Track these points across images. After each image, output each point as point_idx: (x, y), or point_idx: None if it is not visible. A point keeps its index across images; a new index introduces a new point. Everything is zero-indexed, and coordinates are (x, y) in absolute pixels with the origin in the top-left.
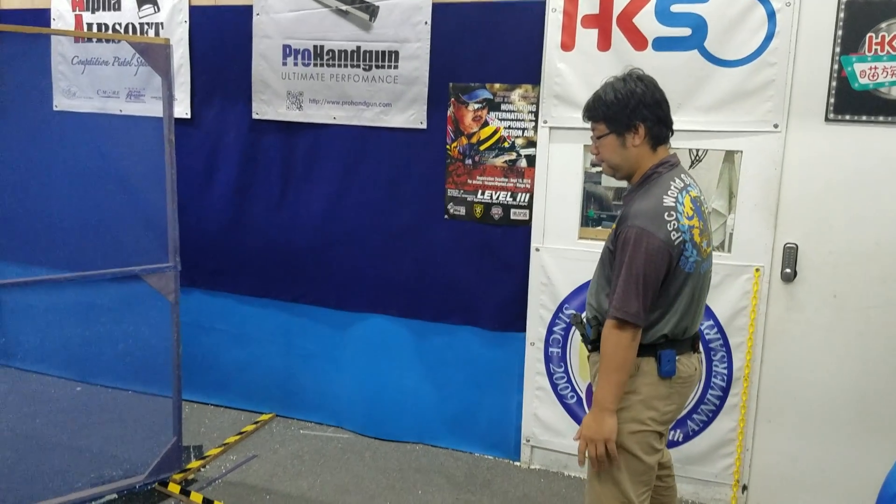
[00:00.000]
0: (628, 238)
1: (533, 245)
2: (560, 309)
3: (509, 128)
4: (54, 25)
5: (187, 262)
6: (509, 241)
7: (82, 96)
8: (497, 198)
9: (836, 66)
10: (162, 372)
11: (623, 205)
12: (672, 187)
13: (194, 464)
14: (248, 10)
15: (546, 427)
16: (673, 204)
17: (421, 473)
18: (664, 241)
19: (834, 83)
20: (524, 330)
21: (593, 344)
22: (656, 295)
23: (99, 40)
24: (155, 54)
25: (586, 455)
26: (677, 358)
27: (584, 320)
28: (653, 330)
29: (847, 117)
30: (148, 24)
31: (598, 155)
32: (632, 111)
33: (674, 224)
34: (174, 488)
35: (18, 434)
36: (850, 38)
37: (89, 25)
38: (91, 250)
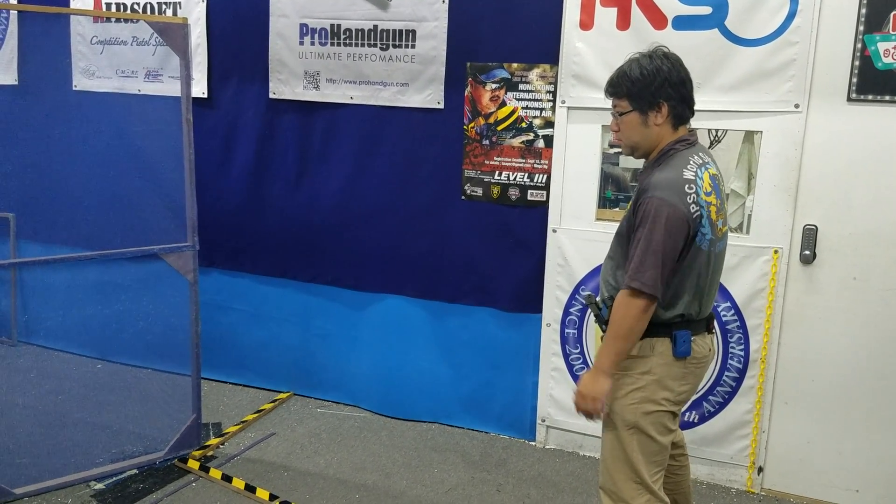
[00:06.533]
0: (648, 209)
1: (550, 226)
2: (576, 290)
3: (527, 108)
4: (73, 5)
5: (205, 242)
6: (526, 222)
7: (101, 76)
8: (514, 178)
9: (859, 45)
10: (181, 350)
11: (639, 181)
12: (691, 162)
13: (213, 441)
14: None
15: (561, 407)
16: (693, 178)
17: (437, 452)
18: (684, 213)
19: (857, 62)
20: (540, 311)
21: (607, 322)
22: (673, 268)
23: (117, 20)
24: (173, 34)
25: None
26: (692, 338)
27: (600, 300)
28: (667, 309)
29: (870, 97)
30: (166, 3)
31: (618, 132)
32: (657, 89)
33: (693, 197)
34: (193, 465)
35: (41, 410)
36: (875, 16)
37: (108, 5)
38: (110, 229)
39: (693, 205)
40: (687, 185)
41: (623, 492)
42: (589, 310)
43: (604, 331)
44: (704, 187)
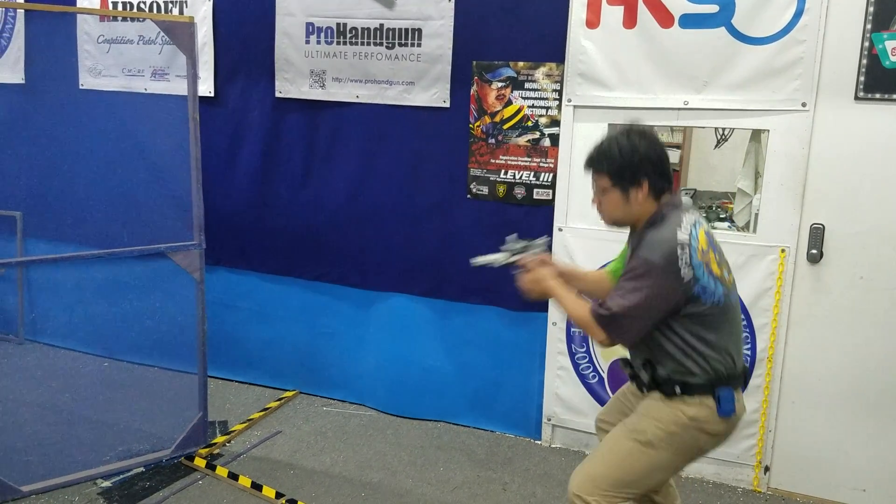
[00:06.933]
0: (638, 266)
1: (556, 225)
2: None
3: (533, 106)
4: (80, 4)
5: (212, 241)
6: (532, 220)
7: (108, 75)
8: (520, 177)
9: (866, 44)
10: (187, 348)
11: (631, 242)
12: (684, 222)
13: (219, 439)
14: None
15: (567, 406)
16: (686, 239)
17: (442, 451)
18: (672, 283)
19: (864, 61)
20: (546, 310)
21: (648, 387)
22: (650, 325)
23: (124, 19)
24: (179, 32)
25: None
26: (735, 396)
27: (637, 365)
28: (703, 373)
29: (877, 96)
30: (172, 2)
31: (600, 206)
32: (636, 167)
33: (685, 259)
34: (200, 462)
35: (47, 408)
36: (882, 14)
37: (114, 4)
38: (117, 228)
39: (685, 267)
40: (679, 248)
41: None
42: None
43: (643, 393)
44: (700, 246)
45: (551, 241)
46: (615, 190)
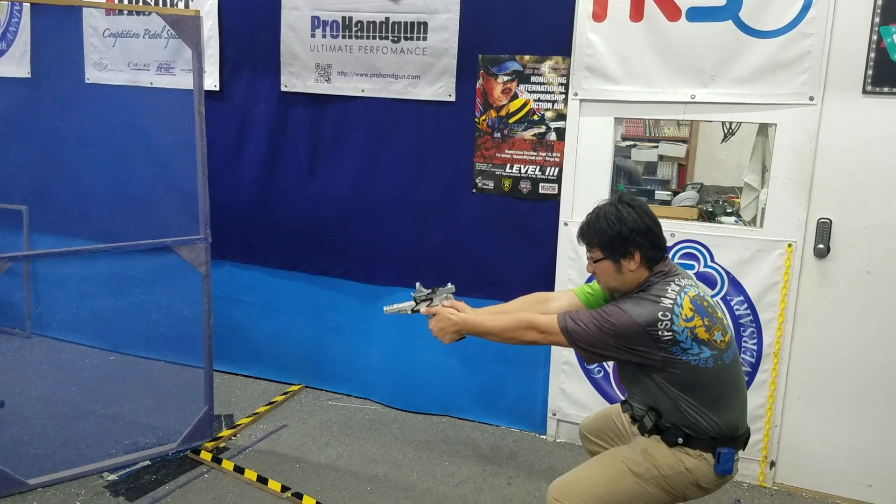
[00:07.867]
0: (609, 308)
1: (561, 219)
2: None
3: (539, 100)
4: None
5: (218, 235)
6: (538, 215)
7: (113, 69)
8: (526, 171)
9: (874, 37)
10: (193, 342)
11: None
12: (669, 290)
13: (225, 433)
14: None
15: (572, 401)
16: (670, 305)
17: (448, 445)
18: (645, 338)
19: (872, 55)
20: None
21: (650, 432)
22: (598, 355)
23: (130, 12)
24: (185, 26)
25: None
26: (735, 457)
27: (641, 409)
28: (706, 430)
29: (885, 90)
30: None
31: (595, 275)
32: (625, 239)
33: (666, 324)
34: (206, 456)
35: (54, 402)
36: (890, 7)
37: None
38: (123, 222)
39: (664, 331)
40: (661, 313)
41: None
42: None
43: (643, 435)
44: (684, 314)
45: (455, 289)
46: (607, 261)
